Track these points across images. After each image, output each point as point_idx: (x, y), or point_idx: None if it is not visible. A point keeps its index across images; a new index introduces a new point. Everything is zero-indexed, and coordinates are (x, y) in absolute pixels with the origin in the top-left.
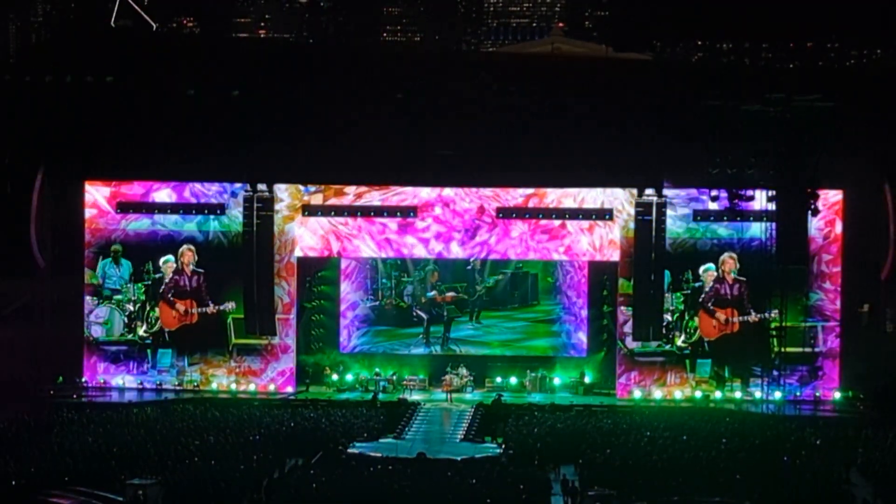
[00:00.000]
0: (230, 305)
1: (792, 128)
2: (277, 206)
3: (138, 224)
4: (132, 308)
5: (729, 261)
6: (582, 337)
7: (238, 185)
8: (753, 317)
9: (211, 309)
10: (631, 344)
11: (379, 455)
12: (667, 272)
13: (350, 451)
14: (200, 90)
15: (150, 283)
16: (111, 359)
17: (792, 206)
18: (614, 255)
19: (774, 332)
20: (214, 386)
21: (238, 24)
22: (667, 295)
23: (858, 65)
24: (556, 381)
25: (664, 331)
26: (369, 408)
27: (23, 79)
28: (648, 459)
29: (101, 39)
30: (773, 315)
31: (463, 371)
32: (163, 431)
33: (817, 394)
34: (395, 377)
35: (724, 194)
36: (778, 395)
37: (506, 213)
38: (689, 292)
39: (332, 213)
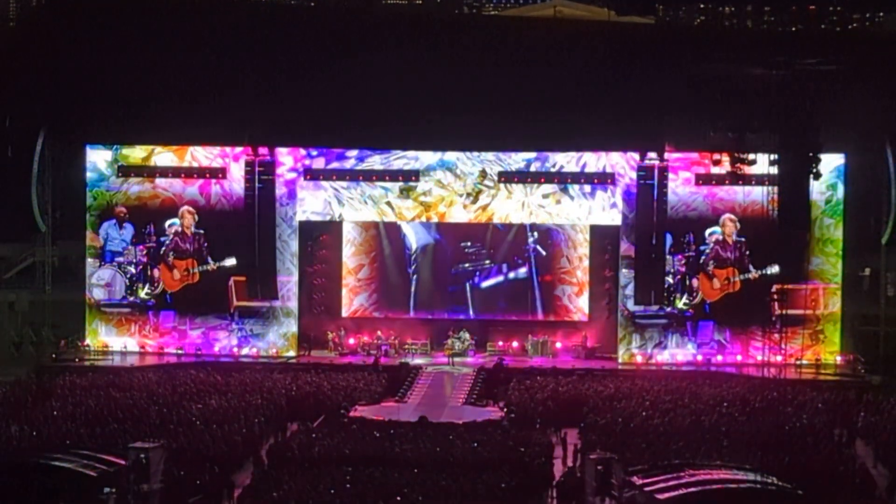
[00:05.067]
0: (230, 262)
1: (794, 91)
2: (279, 170)
3: (139, 188)
4: (134, 271)
5: (729, 223)
6: (584, 301)
7: (239, 148)
8: (754, 273)
9: (211, 266)
10: (632, 307)
11: (380, 419)
12: (668, 235)
13: (352, 414)
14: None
15: (152, 245)
16: (113, 321)
17: (793, 170)
18: (616, 219)
19: (776, 295)
20: (216, 349)
21: None
22: (668, 258)
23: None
24: (558, 344)
25: (665, 293)
26: (371, 372)
27: (24, 42)
28: (650, 423)
29: (101, 2)
30: (773, 271)
31: (465, 335)
32: (165, 395)
33: (818, 357)
34: (396, 341)
35: (725, 158)
36: (779, 357)
37: (507, 178)
38: (691, 255)
39: (334, 176)
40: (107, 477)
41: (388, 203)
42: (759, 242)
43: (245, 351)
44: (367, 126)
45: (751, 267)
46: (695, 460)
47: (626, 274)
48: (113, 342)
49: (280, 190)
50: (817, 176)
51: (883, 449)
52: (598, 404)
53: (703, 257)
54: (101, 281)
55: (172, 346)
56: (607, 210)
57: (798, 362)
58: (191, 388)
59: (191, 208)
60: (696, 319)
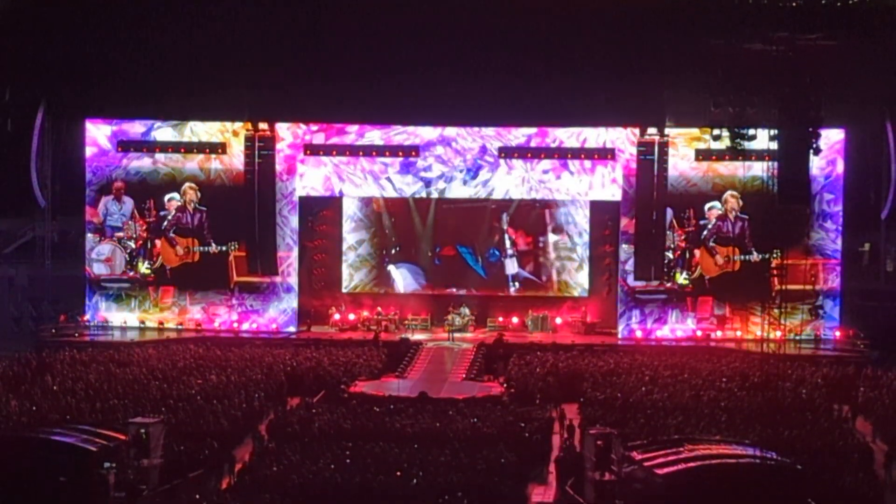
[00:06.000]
0: (233, 246)
1: (794, 67)
2: (279, 146)
3: (139, 163)
4: (134, 246)
5: (731, 199)
6: (584, 276)
7: (239, 123)
8: (755, 257)
9: (213, 249)
10: (632, 282)
11: (381, 394)
12: (669, 210)
13: (352, 390)
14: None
15: (152, 220)
16: (113, 297)
17: (794, 146)
18: (616, 195)
19: (776, 271)
20: (216, 324)
21: None
22: (668, 233)
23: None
24: (558, 320)
25: (665, 269)
26: (371, 347)
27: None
28: (649, 398)
29: None
30: (774, 254)
31: (465, 311)
32: (165, 370)
33: (817, 333)
34: (396, 317)
35: (726, 133)
36: (778, 333)
37: (507, 153)
38: (691, 230)
39: (334, 152)
40: (107, 452)
41: (389, 178)
42: (759, 218)
43: (245, 326)
44: (366, 101)
45: (753, 250)
46: (694, 435)
47: (626, 249)
48: (113, 317)
49: (280, 165)
50: (817, 151)
51: (882, 424)
52: (597, 379)
53: (704, 232)
54: (100, 256)
55: (172, 321)
56: (608, 185)
57: (797, 337)
58: (191, 364)
59: (193, 184)
60: (696, 295)
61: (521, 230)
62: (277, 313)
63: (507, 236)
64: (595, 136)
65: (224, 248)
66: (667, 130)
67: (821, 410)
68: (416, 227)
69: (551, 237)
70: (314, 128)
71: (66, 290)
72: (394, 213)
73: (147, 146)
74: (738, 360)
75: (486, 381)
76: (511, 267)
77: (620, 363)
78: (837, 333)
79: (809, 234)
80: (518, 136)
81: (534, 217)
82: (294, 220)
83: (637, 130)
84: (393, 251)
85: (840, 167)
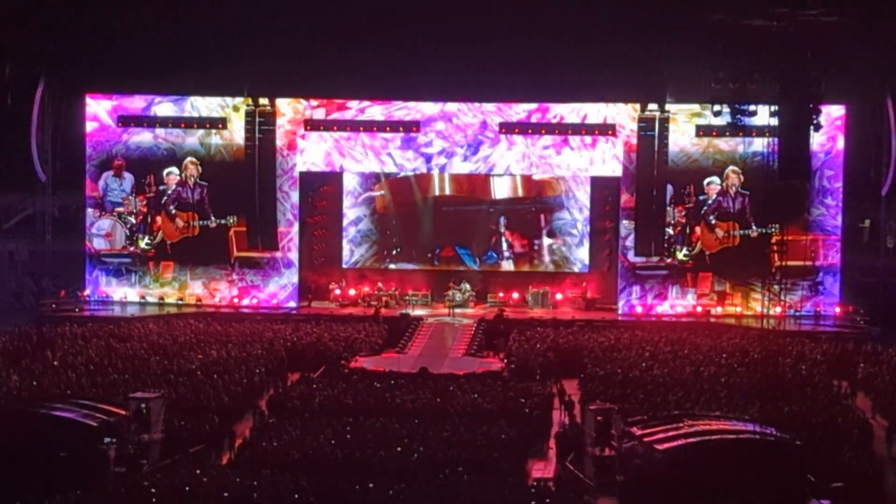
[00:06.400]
0: (232, 220)
1: (795, 42)
2: (279, 121)
3: (139, 138)
4: (134, 221)
5: (732, 175)
6: (584, 252)
7: (239, 99)
8: (754, 232)
9: (212, 223)
10: (633, 258)
11: (381, 370)
12: (669, 186)
13: (352, 365)
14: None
15: (152, 195)
16: (113, 272)
17: (794, 122)
18: (617, 171)
19: (775, 247)
20: (217, 299)
21: None
22: (668, 209)
23: None
24: (558, 295)
25: (666, 245)
26: (371, 323)
27: None
28: (649, 374)
29: None
30: (774, 229)
31: (465, 286)
32: (165, 345)
33: (818, 309)
34: (397, 292)
35: (726, 109)
36: (778, 309)
37: (508, 128)
38: (691, 206)
39: (335, 127)
40: (107, 427)
41: (389, 154)
42: (758, 193)
43: (245, 301)
44: (367, 77)
45: (753, 225)
46: (694, 411)
47: (626, 225)
48: (113, 292)
49: (280, 141)
50: (818, 127)
51: (881, 400)
52: (597, 355)
53: (704, 207)
54: (100, 231)
55: (172, 296)
56: (608, 161)
57: (797, 314)
58: (191, 339)
59: (194, 159)
60: (696, 271)
61: (517, 233)
62: (278, 289)
63: (503, 239)
64: (596, 112)
65: (223, 222)
66: (667, 106)
67: (820, 386)
68: (417, 205)
69: (546, 240)
70: (314, 103)
71: (66, 264)
72: (397, 210)
73: (147, 121)
74: (738, 336)
75: (487, 357)
76: (508, 267)
77: (621, 339)
78: (837, 309)
79: (809, 209)
80: (519, 111)
81: (530, 220)
82: (295, 196)
83: (638, 106)
84: (395, 252)
85: (840, 143)
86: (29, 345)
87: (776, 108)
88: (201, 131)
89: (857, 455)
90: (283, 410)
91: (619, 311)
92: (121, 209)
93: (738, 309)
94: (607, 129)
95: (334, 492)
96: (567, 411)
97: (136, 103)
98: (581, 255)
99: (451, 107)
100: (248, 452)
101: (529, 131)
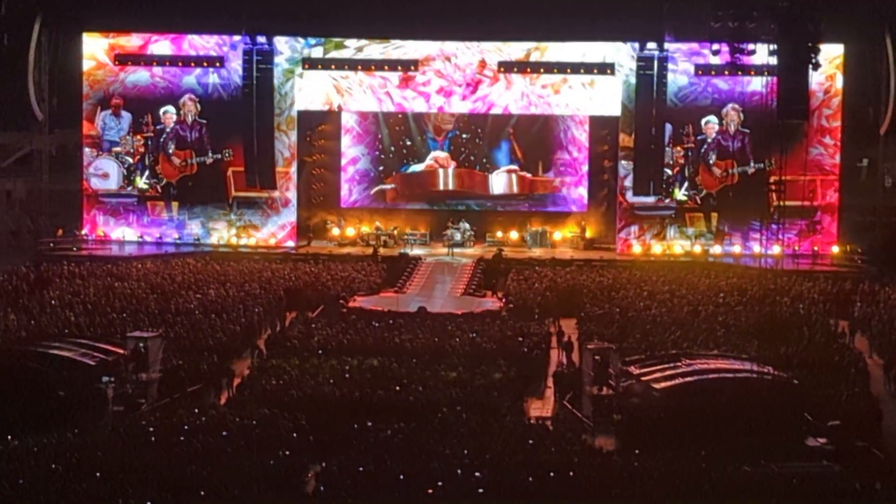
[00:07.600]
0: (227, 153)
1: None
2: (277, 60)
3: (137, 76)
4: (131, 160)
5: (732, 113)
6: (582, 192)
7: (237, 37)
8: (752, 168)
9: (209, 159)
10: (631, 198)
11: (379, 309)
12: (668, 126)
13: (351, 305)
14: None
15: (150, 135)
16: (111, 211)
17: (793, 61)
18: (615, 110)
19: (773, 187)
20: (215, 239)
21: None
22: (667, 149)
23: None
24: (557, 235)
25: (664, 185)
26: (370, 262)
27: None
28: (647, 313)
29: None
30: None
31: (464, 226)
32: (163, 285)
33: (815, 248)
34: (395, 231)
35: (725, 48)
36: (776, 248)
37: (507, 67)
38: (690, 146)
39: (332, 66)
40: (105, 366)
41: (388, 93)
42: (757, 132)
43: (243, 241)
44: (366, 15)
45: (751, 161)
46: (692, 350)
47: (625, 165)
48: (111, 231)
49: (278, 79)
50: (816, 66)
51: (878, 339)
52: (596, 295)
53: (703, 147)
54: (98, 170)
55: (171, 235)
56: (607, 100)
57: (795, 252)
58: (189, 278)
59: (193, 96)
60: (694, 211)
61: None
62: (276, 228)
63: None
64: (594, 51)
65: (219, 157)
66: (666, 45)
67: (818, 325)
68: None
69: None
70: (312, 41)
71: (63, 203)
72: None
73: (145, 60)
74: (736, 275)
75: (485, 297)
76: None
77: (619, 278)
78: (835, 249)
79: (808, 148)
80: (518, 50)
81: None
82: (293, 135)
83: (636, 45)
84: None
85: (839, 83)
86: (27, 284)
87: (775, 46)
88: (199, 70)
89: (854, 394)
90: (281, 350)
91: (617, 251)
92: (118, 149)
93: (737, 248)
94: (606, 69)
95: (332, 431)
96: (565, 351)
97: (132, 42)
98: (579, 195)
99: (450, 46)
100: (246, 392)
101: (528, 70)
